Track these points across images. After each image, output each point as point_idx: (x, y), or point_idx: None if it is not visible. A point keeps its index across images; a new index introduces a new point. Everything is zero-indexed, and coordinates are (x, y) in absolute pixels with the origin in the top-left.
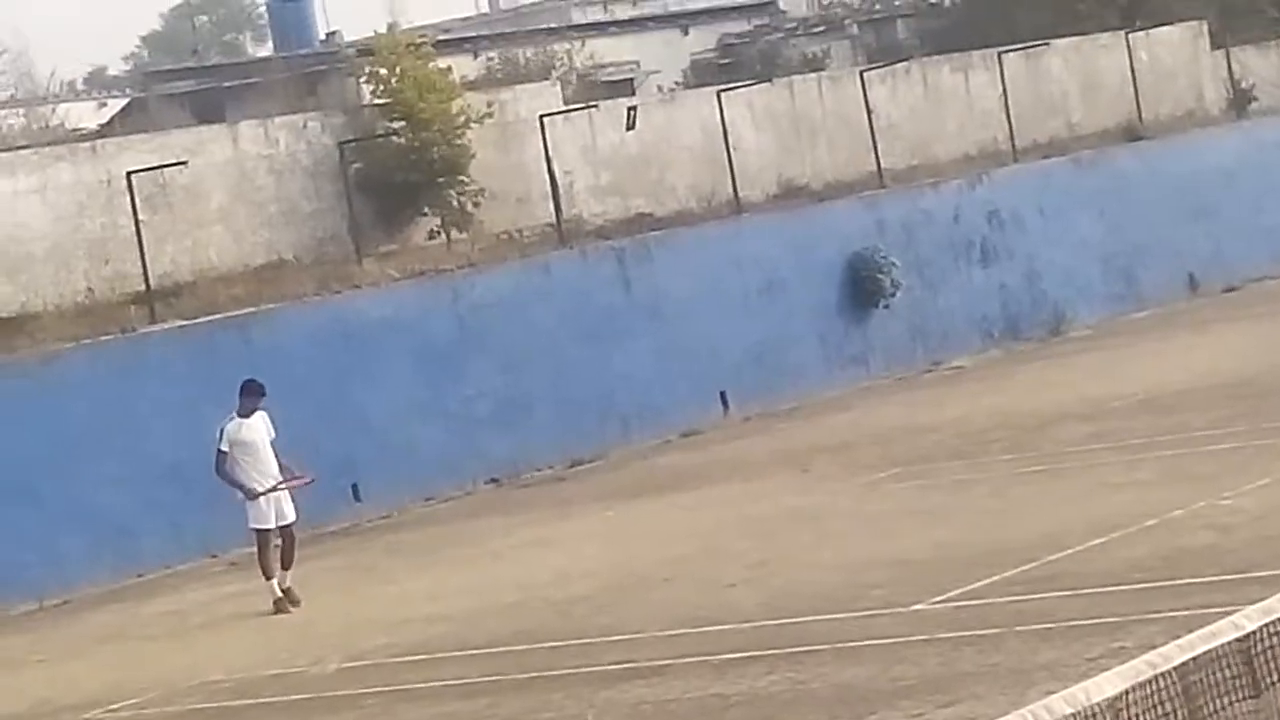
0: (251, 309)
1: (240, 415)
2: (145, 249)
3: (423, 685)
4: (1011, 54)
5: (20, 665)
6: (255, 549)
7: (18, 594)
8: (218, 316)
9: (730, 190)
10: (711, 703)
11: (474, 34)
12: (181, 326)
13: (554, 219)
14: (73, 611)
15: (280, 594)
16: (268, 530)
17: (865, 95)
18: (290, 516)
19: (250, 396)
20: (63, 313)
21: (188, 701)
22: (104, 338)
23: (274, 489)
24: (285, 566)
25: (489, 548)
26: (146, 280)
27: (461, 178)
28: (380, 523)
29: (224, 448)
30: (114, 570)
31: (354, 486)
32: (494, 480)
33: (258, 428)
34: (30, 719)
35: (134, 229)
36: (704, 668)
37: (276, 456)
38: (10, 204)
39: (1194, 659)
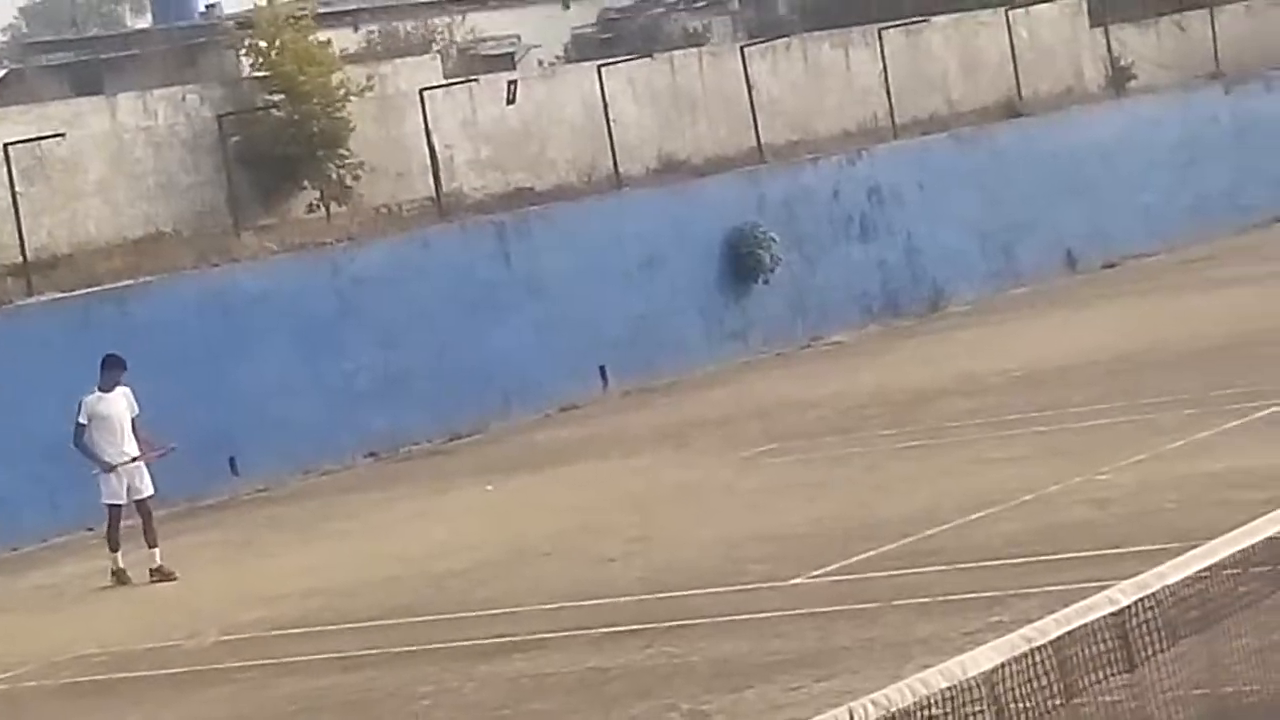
0: (129, 281)
1: (101, 389)
2: (22, 221)
3: (301, 659)
4: (891, 30)
5: None
6: (107, 524)
7: None
8: (95, 289)
9: (611, 165)
10: (591, 676)
11: (354, 7)
12: (58, 299)
13: (434, 193)
14: None
15: (121, 566)
16: (119, 505)
17: (746, 71)
18: (146, 491)
19: (111, 370)
20: None
21: (63, 675)
22: None
23: (131, 460)
24: (151, 544)
25: (367, 521)
26: (23, 252)
27: (341, 151)
28: (258, 496)
29: (82, 420)
30: None
31: (231, 460)
32: (373, 454)
33: (117, 402)
34: None
35: (10, 201)
36: (583, 641)
37: (136, 432)
38: None
39: (1070, 633)
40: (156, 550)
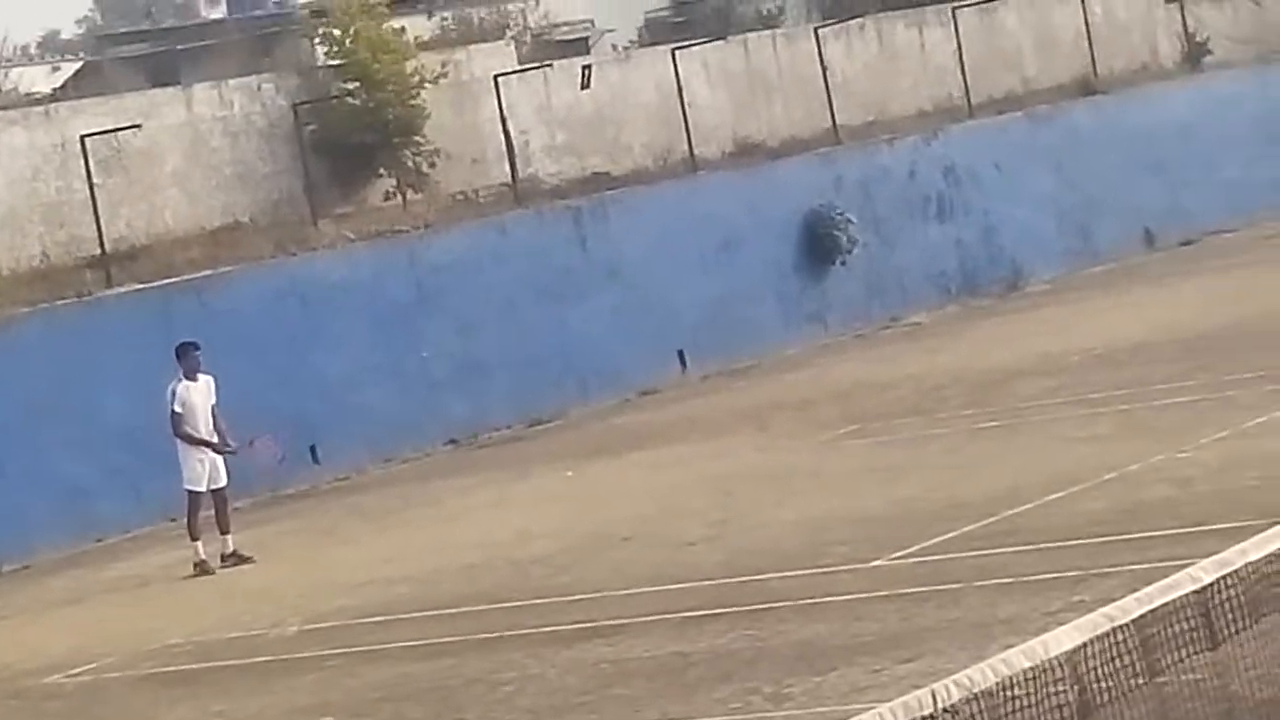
0: (207, 271)
1: (186, 377)
2: (100, 213)
3: (384, 646)
4: (966, 9)
5: None
6: (187, 511)
7: None
8: (174, 280)
9: (686, 148)
10: (672, 661)
11: None
12: (137, 290)
13: (510, 179)
14: (33, 576)
15: (203, 557)
16: (200, 493)
17: (820, 52)
18: (221, 480)
19: (189, 357)
20: (18, 277)
21: (147, 665)
22: (60, 302)
23: (235, 449)
24: (224, 531)
25: (448, 508)
26: (102, 244)
27: (417, 138)
28: (339, 484)
29: (177, 409)
30: (73, 535)
31: (312, 448)
32: (453, 441)
33: (201, 390)
34: None
35: (88, 193)
36: (664, 626)
37: (216, 422)
38: None
39: (1152, 612)
40: (229, 536)
